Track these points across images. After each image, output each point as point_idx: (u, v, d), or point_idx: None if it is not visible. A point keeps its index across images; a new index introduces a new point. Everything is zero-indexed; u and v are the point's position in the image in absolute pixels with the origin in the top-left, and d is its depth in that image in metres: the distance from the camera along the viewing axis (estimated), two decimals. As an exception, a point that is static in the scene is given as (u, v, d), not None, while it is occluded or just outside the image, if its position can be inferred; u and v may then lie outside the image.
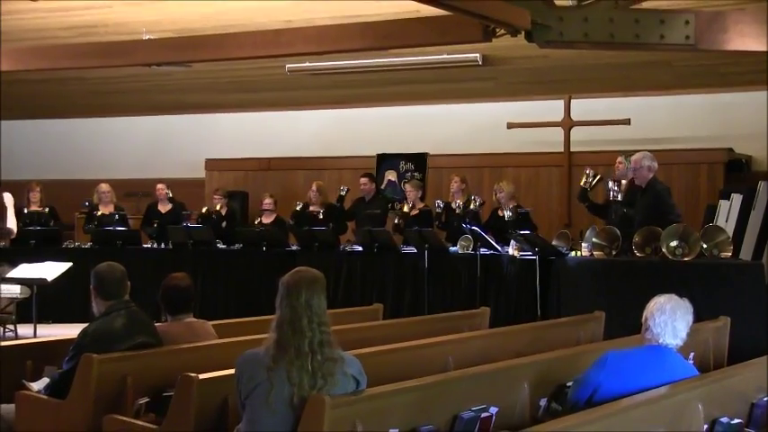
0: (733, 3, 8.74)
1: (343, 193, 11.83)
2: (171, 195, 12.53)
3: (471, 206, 10.69)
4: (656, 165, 8.75)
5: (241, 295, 11.16)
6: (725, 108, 12.36)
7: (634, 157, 8.83)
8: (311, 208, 11.82)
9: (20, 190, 12.07)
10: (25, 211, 11.95)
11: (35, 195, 12.12)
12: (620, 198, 9.34)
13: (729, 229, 9.30)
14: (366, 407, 3.89)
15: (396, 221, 11.34)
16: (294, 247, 11.53)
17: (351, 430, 3.75)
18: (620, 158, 9.60)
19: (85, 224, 12.42)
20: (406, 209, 11.32)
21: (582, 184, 9.94)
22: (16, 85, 13.36)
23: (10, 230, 8.64)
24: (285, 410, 3.82)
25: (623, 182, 9.39)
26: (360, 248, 11.03)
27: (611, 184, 9.49)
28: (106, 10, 9.84)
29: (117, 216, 12.12)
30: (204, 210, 12.56)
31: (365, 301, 9.79)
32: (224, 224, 12.18)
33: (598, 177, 9.93)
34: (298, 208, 11.79)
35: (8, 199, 8.73)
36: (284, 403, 3.82)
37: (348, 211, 11.91)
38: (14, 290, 9.57)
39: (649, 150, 9.06)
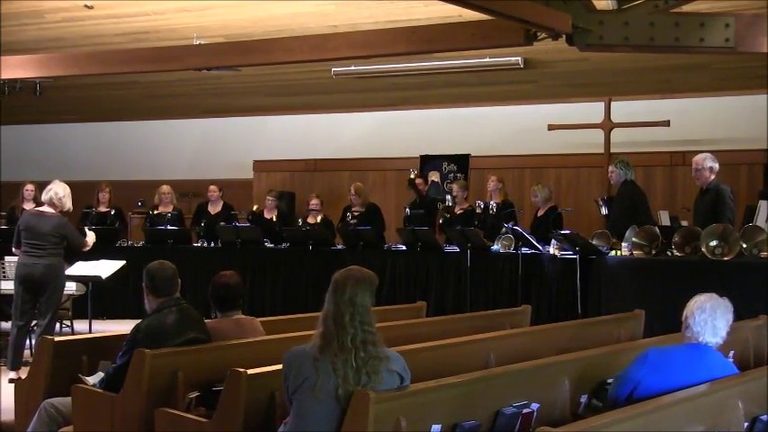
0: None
1: (412, 176, 11.93)
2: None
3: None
4: (717, 166, 8.62)
5: (288, 293, 11.20)
6: (764, 109, 12.16)
7: (696, 158, 8.71)
8: (353, 209, 11.85)
9: (77, 191, 12.19)
10: (93, 211, 12.09)
11: (104, 196, 12.25)
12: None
13: (769, 229, 9.16)
14: (410, 402, 3.88)
15: (440, 221, 11.38)
16: (340, 247, 11.56)
17: (395, 425, 3.75)
18: (611, 167, 9.58)
19: (144, 222, 12.60)
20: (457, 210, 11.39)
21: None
22: (73, 89, 13.55)
23: (84, 242, 8.73)
24: (331, 402, 3.82)
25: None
26: (404, 247, 11.03)
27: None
28: (159, 16, 9.92)
29: (169, 215, 12.23)
30: (255, 208, 12.66)
31: (409, 298, 9.78)
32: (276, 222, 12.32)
33: None
34: (349, 218, 11.81)
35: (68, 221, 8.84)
36: (330, 395, 3.82)
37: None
38: (71, 287, 9.66)
39: (688, 151, 8.96)
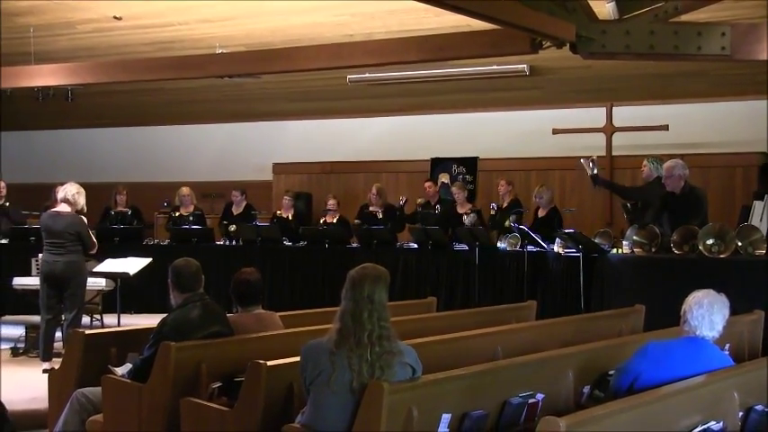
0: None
1: (402, 202, 11.89)
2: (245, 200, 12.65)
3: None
4: (687, 172, 8.65)
5: (306, 288, 11.20)
6: (759, 114, 12.10)
7: (666, 165, 8.73)
8: (371, 208, 11.85)
9: (108, 192, 12.34)
10: (112, 212, 12.23)
11: (121, 198, 12.36)
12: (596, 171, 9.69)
13: (763, 227, 9.13)
14: (421, 393, 3.89)
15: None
16: (355, 245, 11.57)
17: (407, 414, 3.76)
18: (645, 162, 9.58)
19: (167, 223, 12.64)
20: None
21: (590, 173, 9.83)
22: (103, 96, 13.60)
23: (94, 244, 8.74)
24: (346, 393, 3.83)
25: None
26: (415, 246, 11.04)
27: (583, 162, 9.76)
28: (183, 27, 9.95)
29: (191, 217, 12.27)
30: (276, 213, 12.67)
31: (420, 294, 9.77)
32: (292, 220, 12.30)
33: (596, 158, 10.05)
34: (366, 211, 11.82)
35: (84, 220, 8.81)
36: (344, 387, 3.84)
37: (414, 215, 11.94)
38: (100, 282, 9.71)
39: (687, 154, 8.94)
